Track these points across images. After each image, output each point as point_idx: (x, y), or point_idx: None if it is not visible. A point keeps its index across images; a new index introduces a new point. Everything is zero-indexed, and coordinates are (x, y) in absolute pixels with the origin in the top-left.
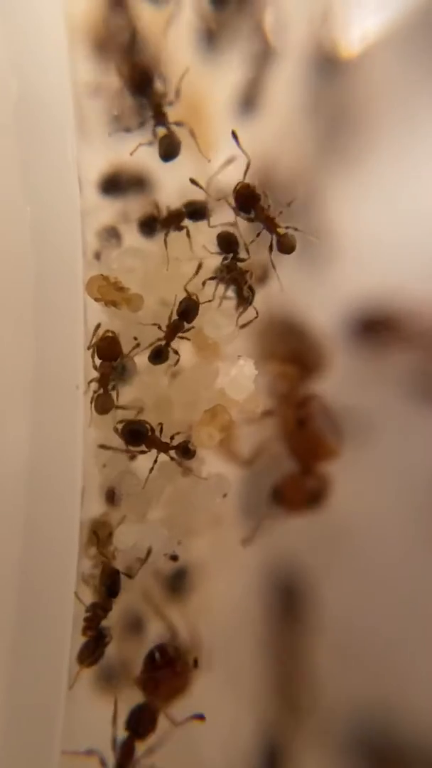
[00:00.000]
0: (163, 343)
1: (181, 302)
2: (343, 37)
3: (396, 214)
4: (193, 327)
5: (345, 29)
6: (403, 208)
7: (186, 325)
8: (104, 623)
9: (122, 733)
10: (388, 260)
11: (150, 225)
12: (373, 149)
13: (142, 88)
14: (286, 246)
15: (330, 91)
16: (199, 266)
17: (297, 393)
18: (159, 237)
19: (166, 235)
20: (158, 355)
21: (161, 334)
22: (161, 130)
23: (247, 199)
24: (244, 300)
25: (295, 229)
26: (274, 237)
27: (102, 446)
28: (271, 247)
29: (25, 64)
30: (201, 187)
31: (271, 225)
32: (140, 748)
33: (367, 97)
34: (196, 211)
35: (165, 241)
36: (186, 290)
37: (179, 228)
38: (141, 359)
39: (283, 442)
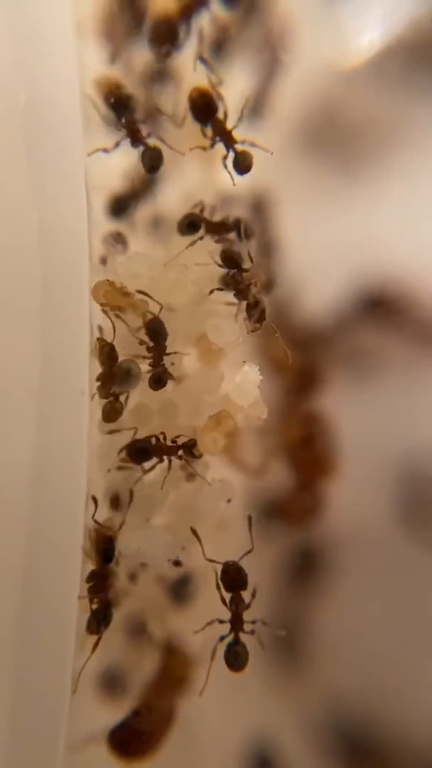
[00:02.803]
0: (159, 369)
1: (146, 327)
2: (350, 47)
3: (406, 212)
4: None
5: (352, 39)
6: (413, 206)
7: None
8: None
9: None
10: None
11: (195, 225)
12: (379, 152)
13: (119, 111)
14: (242, 164)
15: (337, 100)
16: (211, 291)
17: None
18: (167, 242)
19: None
20: (158, 380)
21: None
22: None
23: (203, 109)
24: (252, 312)
25: (253, 144)
26: (231, 153)
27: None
28: (225, 158)
29: (34, 73)
30: None
31: (228, 139)
32: None
33: (374, 106)
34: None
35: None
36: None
37: (221, 238)
38: (145, 365)
39: (285, 456)
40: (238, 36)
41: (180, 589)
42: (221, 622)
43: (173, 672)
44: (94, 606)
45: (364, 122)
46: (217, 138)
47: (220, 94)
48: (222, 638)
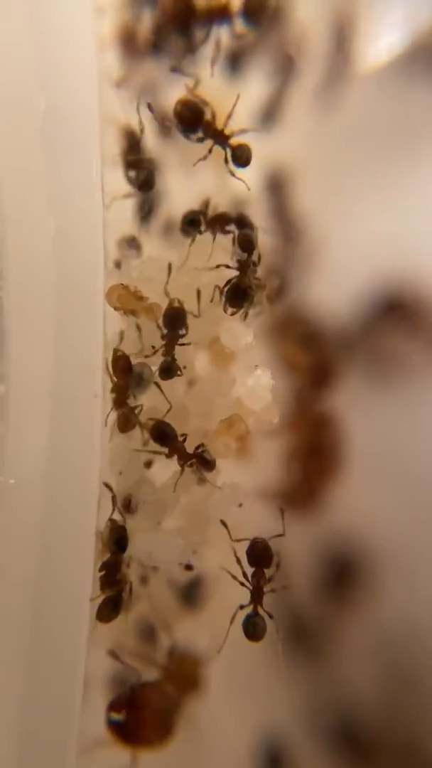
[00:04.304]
0: (168, 358)
1: (165, 314)
2: (367, 52)
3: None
4: (184, 334)
5: (369, 43)
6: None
7: (181, 334)
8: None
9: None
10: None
11: (195, 222)
12: (400, 154)
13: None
14: (240, 157)
15: (350, 106)
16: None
17: (311, 401)
18: (180, 245)
19: (192, 240)
20: (167, 371)
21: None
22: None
23: (191, 118)
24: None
25: (244, 131)
26: (228, 150)
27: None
28: (226, 160)
29: (53, 81)
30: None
31: (222, 138)
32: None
33: (399, 107)
34: (244, 225)
35: (215, 239)
36: (168, 295)
37: (223, 231)
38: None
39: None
40: (256, 42)
41: (191, 593)
42: (242, 584)
43: (182, 675)
44: (106, 594)
45: (389, 123)
46: (211, 140)
47: (203, 99)
48: (242, 607)
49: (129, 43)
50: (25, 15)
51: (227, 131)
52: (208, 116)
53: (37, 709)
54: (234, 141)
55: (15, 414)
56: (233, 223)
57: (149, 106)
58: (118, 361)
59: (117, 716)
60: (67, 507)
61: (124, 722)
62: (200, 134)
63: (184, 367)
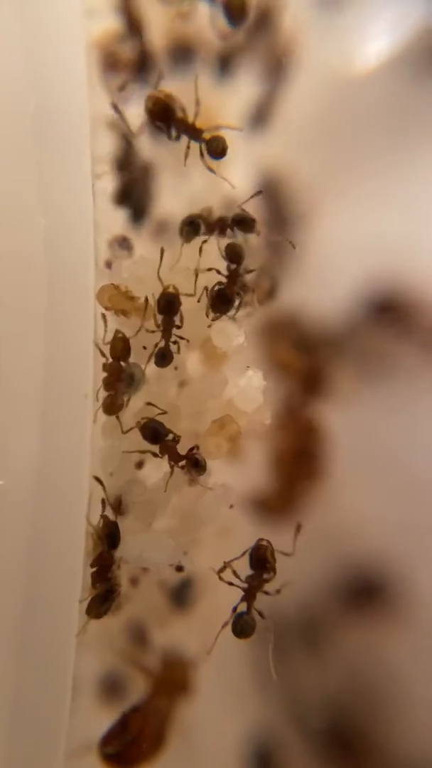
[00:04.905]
0: (163, 345)
1: (159, 299)
2: (356, 55)
3: (420, 216)
4: (179, 326)
5: (359, 47)
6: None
7: (177, 320)
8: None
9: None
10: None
11: (195, 225)
12: (392, 156)
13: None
14: (215, 149)
15: (342, 108)
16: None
17: (303, 403)
18: (173, 246)
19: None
20: (163, 357)
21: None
22: None
23: (162, 115)
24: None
25: (219, 128)
26: (203, 144)
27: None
28: (201, 154)
29: (44, 80)
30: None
31: (195, 133)
32: None
33: (379, 113)
34: (243, 222)
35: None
36: (161, 282)
37: (222, 234)
38: (149, 369)
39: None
40: (246, 43)
41: (181, 594)
42: (230, 584)
43: (172, 677)
44: (96, 590)
45: (384, 125)
46: (186, 136)
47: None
48: (234, 609)
49: (119, 44)
50: (15, 16)
51: (200, 125)
52: (179, 113)
53: (25, 712)
54: (207, 134)
55: (4, 414)
56: (234, 226)
57: (115, 107)
58: (118, 343)
59: (111, 750)
60: (56, 508)
61: (118, 754)
62: (174, 132)
63: (176, 368)
